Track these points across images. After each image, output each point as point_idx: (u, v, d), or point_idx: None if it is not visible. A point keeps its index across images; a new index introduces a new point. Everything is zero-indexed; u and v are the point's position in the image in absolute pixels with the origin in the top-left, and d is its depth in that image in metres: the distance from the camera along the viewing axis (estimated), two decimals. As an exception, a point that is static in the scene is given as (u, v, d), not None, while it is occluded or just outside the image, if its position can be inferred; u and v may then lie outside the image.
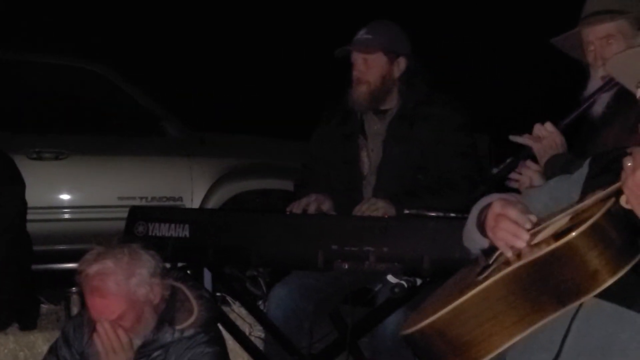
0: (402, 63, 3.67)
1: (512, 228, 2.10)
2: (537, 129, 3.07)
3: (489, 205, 2.22)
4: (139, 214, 3.54)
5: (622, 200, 1.95)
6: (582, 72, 3.20)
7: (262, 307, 3.70)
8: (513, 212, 2.13)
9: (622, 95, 2.93)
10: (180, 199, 6.39)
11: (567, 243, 1.94)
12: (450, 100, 3.68)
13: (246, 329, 3.74)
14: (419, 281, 3.07)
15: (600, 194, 2.02)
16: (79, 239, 6.12)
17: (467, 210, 3.14)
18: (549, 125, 3.06)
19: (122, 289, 2.82)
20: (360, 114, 3.74)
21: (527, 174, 3.09)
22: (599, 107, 3.03)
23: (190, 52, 11.97)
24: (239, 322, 3.73)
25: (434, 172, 3.57)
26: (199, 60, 11.90)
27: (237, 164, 6.70)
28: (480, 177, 3.54)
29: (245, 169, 6.70)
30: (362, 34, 3.66)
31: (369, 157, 3.69)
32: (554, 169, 2.92)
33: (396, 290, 3.01)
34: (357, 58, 3.66)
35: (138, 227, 3.49)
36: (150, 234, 3.45)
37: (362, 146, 3.71)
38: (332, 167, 3.74)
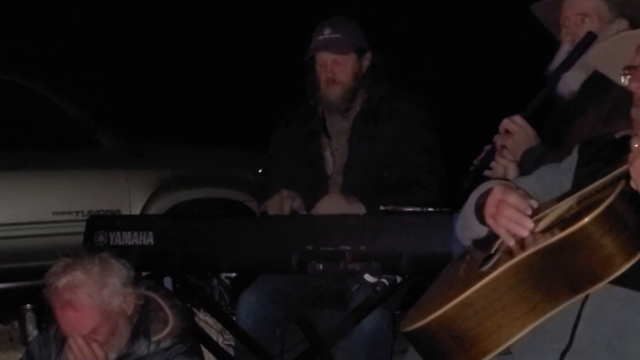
0: (368, 58, 3.61)
1: (515, 216, 2.05)
2: (507, 123, 2.99)
3: (488, 192, 2.16)
4: (99, 223, 3.38)
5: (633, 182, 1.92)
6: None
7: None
8: (514, 198, 2.07)
9: (594, 84, 2.92)
10: (118, 211, 6.26)
11: (581, 228, 1.88)
12: (414, 96, 3.63)
13: (214, 337, 3.62)
14: (399, 279, 3.01)
15: (608, 177, 1.98)
16: (13, 257, 5.96)
17: (443, 205, 3.09)
18: (518, 119, 2.97)
19: (95, 301, 2.70)
20: (322, 112, 3.66)
21: (502, 163, 3.02)
22: (563, 88, 3.00)
23: (125, 62, 11.76)
24: (207, 330, 3.61)
25: (400, 169, 3.50)
26: (134, 70, 11.69)
27: (174, 174, 6.67)
28: (446, 172, 3.50)
29: (182, 178, 6.65)
30: (328, 34, 3.53)
31: (334, 157, 3.60)
32: (530, 162, 2.88)
33: (378, 289, 2.93)
34: (327, 59, 3.54)
35: (98, 237, 3.34)
36: (111, 243, 3.30)
37: (325, 145, 3.63)
38: (295, 168, 3.63)
